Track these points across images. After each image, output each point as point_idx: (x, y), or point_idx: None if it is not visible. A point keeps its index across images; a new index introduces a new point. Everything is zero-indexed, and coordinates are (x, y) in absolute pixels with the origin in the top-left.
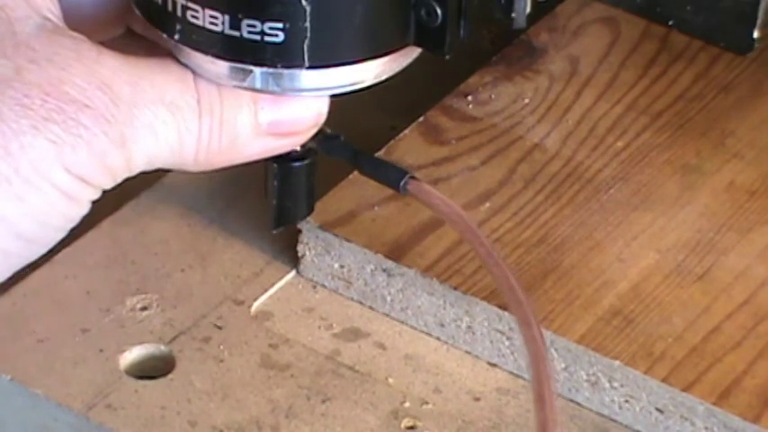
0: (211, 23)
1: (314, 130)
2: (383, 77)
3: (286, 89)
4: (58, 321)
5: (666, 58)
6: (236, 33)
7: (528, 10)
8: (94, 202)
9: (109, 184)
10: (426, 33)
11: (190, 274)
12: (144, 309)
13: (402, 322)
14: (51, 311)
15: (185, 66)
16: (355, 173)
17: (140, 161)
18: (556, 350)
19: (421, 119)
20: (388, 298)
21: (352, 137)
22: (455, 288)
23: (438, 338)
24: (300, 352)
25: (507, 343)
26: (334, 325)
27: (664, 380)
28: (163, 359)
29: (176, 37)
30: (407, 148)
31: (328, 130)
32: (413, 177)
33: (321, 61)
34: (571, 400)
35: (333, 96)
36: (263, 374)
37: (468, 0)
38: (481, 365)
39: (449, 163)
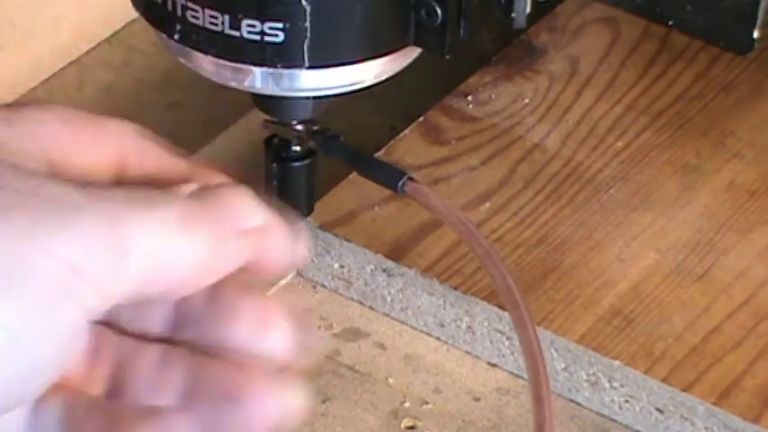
0: (211, 23)
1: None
2: (383, 77)
3: (286, 89)
4: None
5: (666, 58)
6: (236, 33)
7: (528, 10)
8: None
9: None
10: (426, 33)
11: None
12: None
13: (402, 322)
14: None
15: None
16: (355, 173)
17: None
18: (556, 350)
19: (421, 119)
20: (388, 298)
21: (352, 137)
22: (455, 288)
23: (438, 338)
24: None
25: (507, 343)
26: (334, 325)
27: (664, 380)
28: None
29: (176, 37)
30: (407, 148)
31: (328, 130)
32: (411, 179)
33: (321, 61)
34: (571, 400)
35: (333, 96)
36: None
37: (468, 0)
38: (481, 365)
39: (449, 163)
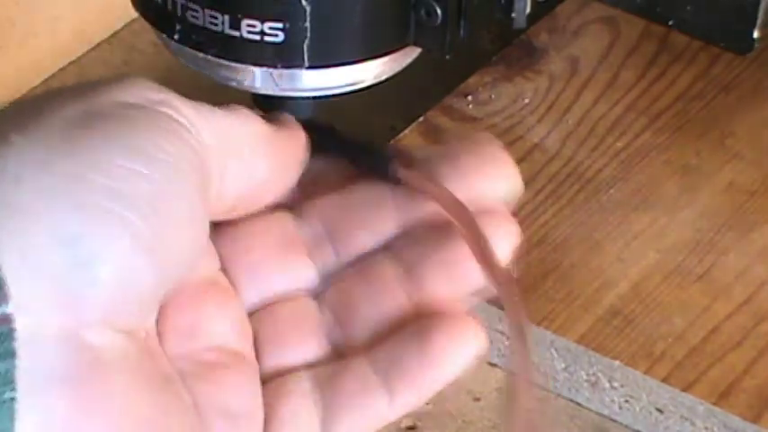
0: (211, 23)
1: None
2: (383, 77)
3: (286, 89)
4: None
5: (666, 58)
6: (236, 33)
7: (528, 10)
8: None
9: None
10: (426, 33)
11: None
12: None
13: None
14: None
15: None
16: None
17: None
18: (556, 350)
19: (421, 119)
20: None
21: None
22: None
23: None
24: None
25: (507, 343)
26: None
27: (664, 380)
28: None
29: (176, 37)
30: (407, 148)
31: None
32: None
33: (321, 61)
34: (571, 400)
35: (333, 96)
36: None
37: (468, 0)
38: (481, 365)
39: None
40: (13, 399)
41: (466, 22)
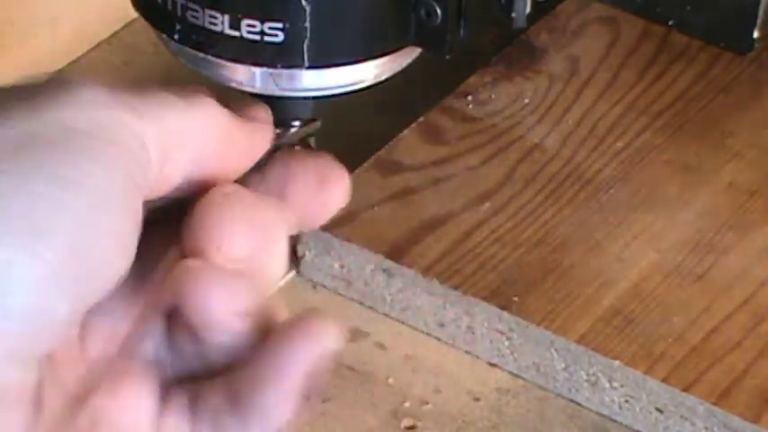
0: (211, 23)
1: None
2: (383, 77)
3: (286, 89)
4: None
5: (666, 58)
6: (236, 33)
7: (528, 10)
8: None
9: None
10: (426, 33)
11: None
12: None
13: (402, 322)
14: None
15: None
16: (355, 173)
17: None
18: (556, 350)
19: (421, 119)
20: (388, 298)
21: (353, 137)
22: (455, 288)
23: (438, 338)
24: None
25: (507, 343)
26: None
27: (664, 380)
28: None
29: (176, 37)
30: (407, 148)
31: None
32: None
33: (321, 61)
34: (571, 400)
35: (333, 96)
36: None
37: (468, 0)
38: (481, 365)
39: (449, 163)
40: None
41: (466, 22)
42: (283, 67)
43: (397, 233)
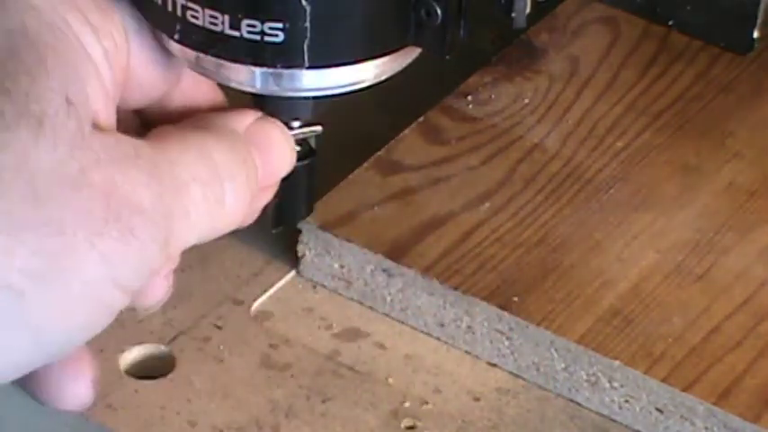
0: (211, 23)
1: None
2: (383, 77)
3: (286, 89)
4: None
5: (666, 58)
6: (236, 33)
7: (528, 10)
8: None
9: (143, 286)
10: (426, 33)
11: (190, 274)
12: None
13: (402, 322)
14: None
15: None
16: (355, 173)
17: (178, 252)
18: (556, 350)
19: (421, 119)
20: (388, 298)
21: (352, 137)
22: (455, 288)
23: (438, 338)
24: (300, 352)
25: (507, 343)
26: (334, 325)
27: (664, 380)
28: (163, 359)
29: (176, 37)
30: (407, 148)
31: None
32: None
33: (321, 61)
34: (571, 400)
35: (333, 96)
36: (263, 374)
37: (467, 0)
38: (481, 365)
39: (449, 163)
40: None
41: (466, 22)
42: (283, 67)
43: (396, 233)
